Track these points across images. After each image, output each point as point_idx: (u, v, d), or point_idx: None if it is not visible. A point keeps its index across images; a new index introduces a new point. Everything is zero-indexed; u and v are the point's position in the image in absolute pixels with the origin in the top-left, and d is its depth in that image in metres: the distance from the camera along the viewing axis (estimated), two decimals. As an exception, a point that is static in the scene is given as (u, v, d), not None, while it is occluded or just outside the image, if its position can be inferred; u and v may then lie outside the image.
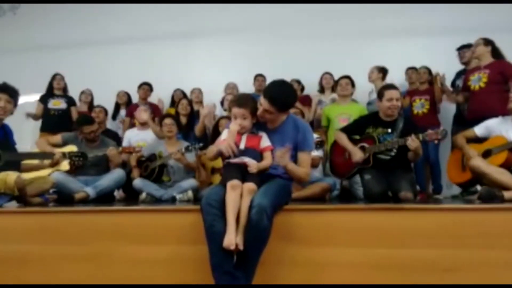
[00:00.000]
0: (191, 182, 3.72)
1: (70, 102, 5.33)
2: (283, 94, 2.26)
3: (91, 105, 5.44)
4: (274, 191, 2.05)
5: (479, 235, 1.94)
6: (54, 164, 3.62)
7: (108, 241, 2.22)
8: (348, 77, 4.60)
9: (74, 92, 5.45)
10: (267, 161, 2.27)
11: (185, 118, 4.68)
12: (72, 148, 3.81)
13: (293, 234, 2.08)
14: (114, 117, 5.50)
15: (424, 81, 4.86)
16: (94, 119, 4.03)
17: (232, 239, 1.90)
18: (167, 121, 3.93)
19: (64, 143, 3.89)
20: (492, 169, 2.81)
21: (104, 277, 2.18)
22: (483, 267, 1.90)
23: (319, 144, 3.52)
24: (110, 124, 5.32)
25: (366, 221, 2.07)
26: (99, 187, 3.61)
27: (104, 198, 3.63)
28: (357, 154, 3.36)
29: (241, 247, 1.92)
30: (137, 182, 3.70)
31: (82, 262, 2.22)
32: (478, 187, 3.20)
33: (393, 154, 3.35)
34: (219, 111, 5.16)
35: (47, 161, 3.51)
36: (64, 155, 3.56)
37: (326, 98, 5.00)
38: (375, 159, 3.40)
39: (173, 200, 3.58)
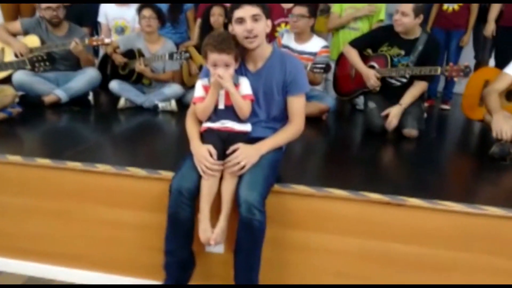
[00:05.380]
0: (175, 88, 3.28)
1: None
2: None
3: None
4: (260, 176, 1.71)
5: (480, 239, 1.77)
6: None
7: (75, 199, 2.01)
8: None
9: None
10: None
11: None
12: (33, 39, 3.25)
13: (282, 217, 1.87)
14: None
15: None
16: None
17: (208, 237, 1.70)
18: (146, 13, 3.22)
19: (25, 32, 3.30)
20: None
21: (72, 234, 2.04)
22: (481, 271, 1.79)
23: (326, 69, 3.03)
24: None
25: (360, 212, 1.85)
26: (71, 90, 3.20)
27: (78, 102, 3.27)
28: (370, 79, 2.94)
29: (219, 241, 1.74)
30: (115, 85, 3.25)
31: (49, 217, 2.05)
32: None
33: (405, 81, 2.94)
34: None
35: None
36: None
37: None
38: (383, 82, 2.99)
39: (155, 108, 3.23)
